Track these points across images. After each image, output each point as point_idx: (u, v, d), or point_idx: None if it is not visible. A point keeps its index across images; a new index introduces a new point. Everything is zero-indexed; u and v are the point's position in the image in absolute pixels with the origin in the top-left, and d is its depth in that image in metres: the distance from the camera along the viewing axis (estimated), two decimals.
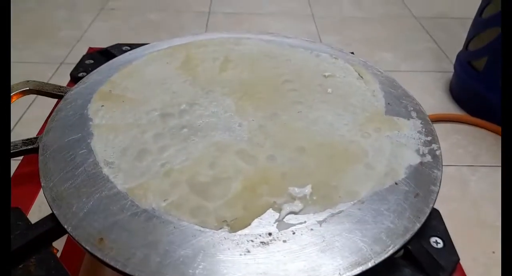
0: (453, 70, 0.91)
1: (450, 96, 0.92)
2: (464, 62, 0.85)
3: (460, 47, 0.91)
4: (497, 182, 0.69)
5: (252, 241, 0.27)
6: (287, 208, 0.29)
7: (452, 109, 0.89)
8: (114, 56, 0.48)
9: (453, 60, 0.93)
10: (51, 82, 0.44)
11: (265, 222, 0.28)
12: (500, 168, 0.72)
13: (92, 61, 0.49)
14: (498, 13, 0.71)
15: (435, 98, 0.93)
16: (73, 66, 0.48)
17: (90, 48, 0.56)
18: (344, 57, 0.48)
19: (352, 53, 0.55)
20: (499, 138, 0.79)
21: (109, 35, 1.10)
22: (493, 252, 0.57)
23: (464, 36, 0.88)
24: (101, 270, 0.44)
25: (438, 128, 0.89)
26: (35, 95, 0.44)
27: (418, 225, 0.28)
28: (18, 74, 0.87)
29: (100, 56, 0.50)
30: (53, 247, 0.30)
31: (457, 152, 0.77)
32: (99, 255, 0.26)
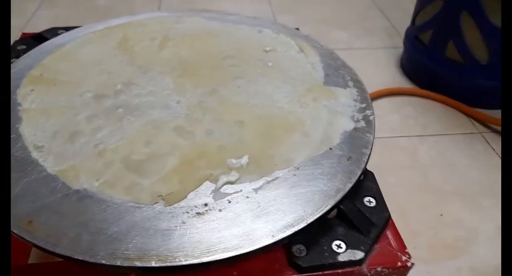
0: (403, 46, 0.94)
1: (401, 71, 0.95)
2: (411, 37, 0.87)
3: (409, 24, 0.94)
4: (444, 149, 0.72)
5: (187, 212, 0.27)
6: (223, 178, 0.29)
7: (404, 83, 0.92)
8: (48, 39, 0.46)
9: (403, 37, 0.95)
10: None
11: (202, 194, 0.29)
12: (446, 137, 0.75)
13: (24, 47, 0.47)
14: None
15: (388, 74, 0.95)
16: None
17: (23, 34, 0.53)
18: (286, 32, 0.48)
19: (297, 29, 0.55)
20: (447, 108, 0.83)
21: (54, 24, 1.05)
22: (441, 215, 0.60)
23: None
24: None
25: (392, 101, 0.92)
26: None
27: (349, 185, 0.29)
28: None
29: (34, 42, 0.47)
30: None
31: (408, 123, 0.80)
32: (27, 237, 0.25)
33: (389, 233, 0.31)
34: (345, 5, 1.24)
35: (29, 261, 0.36)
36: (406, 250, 0.30)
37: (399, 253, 0.30)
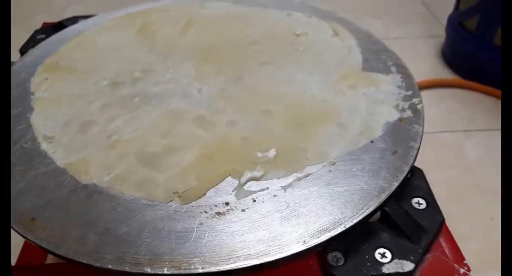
0: (444, 34, 0.87)
1: (443, 61, 0.88)
2: (455, 23, 0.80)
3: (451, 11, 0.86)
4: (494, 146, 0.65)
5: (206, 212, 0.24)
6: (247, 174, 0.26)
7: (445, 74, 0.84)
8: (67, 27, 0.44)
9: (445, 24, 0.88)
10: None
11: (223, 191, 0.25)
12: (496, 132, 0.68)
13: (44, 36, 0.45)
14: None
15: (427, 64, 0.88)
16: None
17: (44, 23, 0.52)
18: (318, 15, 0.43)
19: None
20: (494, 100, 0.76)
21: None
22: (492, 218, 0.54)
23: None
24: None
25: (432, 94, 0.85)
26: None
27: (396, 184, 0.25)
28: None
29: (54, 31, 0.45)
30: None
31: (451, 117, 0.73)
32: (29, 237, 0.23)
33: (443, 241, 0.26)
34: None
35: (47, 261, 0.34)
36: (465, 261, 0.25)
37: (455, 265, 0.25)
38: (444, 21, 0.89)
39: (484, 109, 0.73)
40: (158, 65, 0.36)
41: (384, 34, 0.98)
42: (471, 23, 0.76)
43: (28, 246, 0.33)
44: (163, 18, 0.43)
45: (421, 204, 0.26)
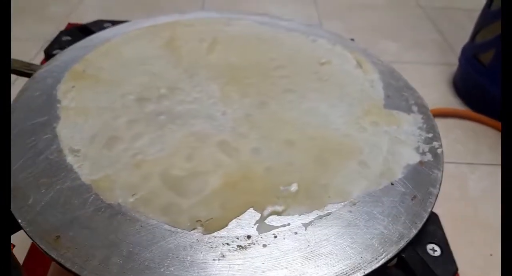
0: (457, 63, 0.88)
1: (453, 90, 0.89)
2: (469, 55, 0.81)
3: (466, 40, 0.87)
4: (498, 181, 0.66)
5: (228, 244, 0.24)
6: (269, 208, 0.26)
7: (455, 103, 0.85)
8: (93, 33, 0.44)
9: (458, 53, 0.89)
10: (35, 61, 0.40)
11: (244, 223, 0.25)
12: (500, 167, 0.69)
13: (69, 38, 0.45)
14: None
15: (437, 92, 0.89)
16: None
17: (69, 24, 0.52)
18: (342, 44, 0.44)
19: (352, 39, 0.51)
20: (500, 135, 0.76)
21: (100, 13, 1.06)
22: (491, 255, 0.55)
23: (470, 28, 0.84)
24: None
25: (439, 123, 0.86)
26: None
27: (414, 231, 0.25)
28: None
29: (79, 33, 0.46)
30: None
31: (457, 148, 0.74)
32: (54, 255, 0.23)
33: None
34: (395, 14, 1.18)
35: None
36: None
37: None
38: (458, 50, 0.90)
39: (490, 143, 0.74)
40: (184, 83, 0.36)
41: (397, 57, 0.99)
42: (486, 57, 0.77)
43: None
44: (189, 34, 0.43)
45: (436, 251, 0.27)
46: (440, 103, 0.84)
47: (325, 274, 0.23)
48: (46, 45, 0.45)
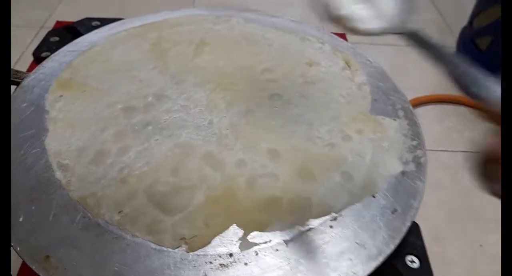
0: (455, 47, 0.86)
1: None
2: (467, 39, 0.80)
3: (465, 23, 0.85)
4: None
5: (211, 262, 0.25)
6: (251, 224, 0.27)
7: (451, 89, 0.85)
8: (81, 33, 0.43)
9: (457, 36, 0.87)
10: (31, 48, 0.40)
11: (227, 241, 0.26)
12: None
13: (57, 39, 0.45)
14: None
15: (435, 77, 0.88)
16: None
17: (57, 22, 0.51)
18: (331, 42, 0.43)
19: (343, 34, 0.50)
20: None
21: (84, 10, 1.04)
22: (481, 245, 0.56)
23: (470, 10, 0.82)
24: None
25: (435, 109, 0.85)
26: None
27: (392, 247, 0.26)
28: None
29: (67, 33, 0.45)
30: None
31: (452, 136, 0.74)
32: (42, 275, 0.24)
33: None
34: None
35: None
36: None
37: None
38: (456, 32, 0.88)
39: (485, 130, 0.75)
40: (171, 90, 0.36)
41: (394, 40, 0.98)
42: (483, 42, 0.75)
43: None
44: (177, 34, 0.43)
45: (414, 262, 0.28)
46: (436, 88, 0.83)
47: None
48: (39, 32, 0.45)
